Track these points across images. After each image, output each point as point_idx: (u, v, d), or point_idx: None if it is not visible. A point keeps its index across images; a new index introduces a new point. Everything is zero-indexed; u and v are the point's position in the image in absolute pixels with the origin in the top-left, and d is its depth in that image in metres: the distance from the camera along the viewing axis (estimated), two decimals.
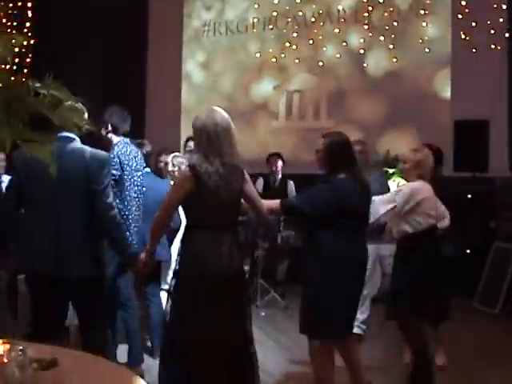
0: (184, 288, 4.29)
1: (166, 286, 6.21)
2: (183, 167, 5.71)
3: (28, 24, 10.86)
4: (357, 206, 4.76)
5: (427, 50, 10.08)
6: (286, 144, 10.87)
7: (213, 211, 4.31)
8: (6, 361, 2.19)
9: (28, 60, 10.42)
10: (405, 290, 5.05)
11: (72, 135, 4.39)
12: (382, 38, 10.27)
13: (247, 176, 4.48)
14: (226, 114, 4.32)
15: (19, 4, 11.27)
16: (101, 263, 4.55)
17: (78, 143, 4.42)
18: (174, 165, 6.26)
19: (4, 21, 10.14)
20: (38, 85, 2.46)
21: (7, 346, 2.27)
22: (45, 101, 2.49)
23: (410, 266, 5.08)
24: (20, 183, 4.43)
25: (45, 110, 2.56)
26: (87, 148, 4.45)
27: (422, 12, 10.22)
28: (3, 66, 2.55)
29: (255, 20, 11.73)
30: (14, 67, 8.63)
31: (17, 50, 2.90)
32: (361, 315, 6.10)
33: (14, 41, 2.58)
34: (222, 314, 4.23)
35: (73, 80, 3.02)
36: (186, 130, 11.52)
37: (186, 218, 4.47)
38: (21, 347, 2.30)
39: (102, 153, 4.54)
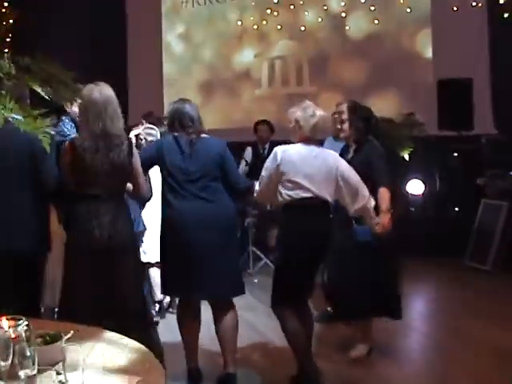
0: (68, 258, 4.41)
1: None
2: (149, 139, 5.83)
3: (6, 4, 10.75)
4: None
5: (408, 10, 10.04)
6: (271, 111, 10.83)
7: (92, 182, 4.36)
8: (13, 336, 2.21)
9: (8, 39, 10.32)
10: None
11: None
12: (362, 0, 10.21)
13: (135, 149, 4.59)
14: (106, 88, 4.33)
15: None
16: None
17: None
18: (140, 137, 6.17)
19: None
20: (27, 60, 2.46)
21: (12, 322, 2.29)
22: (36, 76, 2.49)
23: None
24: None
25: (36, 86, 2.57)
26: None
27: None
28: None
29: None
30: None
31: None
32: None
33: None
34: (98, 285, 4.27)
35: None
36: (168, 101, 11.48)
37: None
38: (26, 322, 2.32)
39: None
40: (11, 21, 10.29)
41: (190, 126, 4.89)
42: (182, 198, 4.77)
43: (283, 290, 4.80)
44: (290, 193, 4.77)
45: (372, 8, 10.22)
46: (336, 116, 5.71)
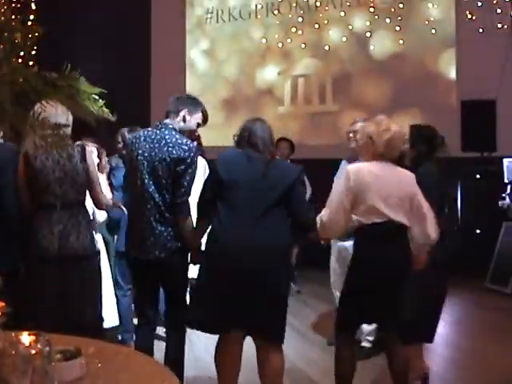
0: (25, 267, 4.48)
1: None
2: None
3: (32, 17, 10.83)
4: None
5: (433, 31, 10.02)
6: (292, 129, 10.81)
7: (44, 190, 4.39)
8: (33, 352, 2.20)
9: (33, 52, 10.40)
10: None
11: None
12: (387, 20, 10.18)
13: (89, 155, 4.58)
14: None
15: None
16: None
17: None
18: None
19: (8, 17, 10.10)
20: (54, 75, 2.47)
21: (33, 337, 2.28)
22: (63, 92, 2.49)
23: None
24: None
25: (63, 102, 2.58)
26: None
27: None
28: (19, 59, 2.54)
29: (259, 6, 11.67)
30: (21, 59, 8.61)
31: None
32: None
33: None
34: (51, 296, 4.33)
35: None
36: None
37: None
38: (46, 338, 2.31)
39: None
40: (36, 34, 10.35)
41: (259, 146, 4.41)
42: (241, 221, 4.28)
43: (351, 317, 4.56)
44: (361, 218, 4.39)
45: (397, 28, 10.20)
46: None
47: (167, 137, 4.56)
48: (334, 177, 5.83)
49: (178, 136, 4.58)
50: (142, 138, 4.66)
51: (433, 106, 9.97)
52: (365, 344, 5.92)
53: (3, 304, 2.35)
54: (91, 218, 4.82)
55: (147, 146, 4.59)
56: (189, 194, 4.55)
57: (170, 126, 4.63)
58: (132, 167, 4.70)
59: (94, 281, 4.61)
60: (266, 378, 4.45)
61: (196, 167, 4.60)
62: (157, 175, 4.51)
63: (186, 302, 4.80)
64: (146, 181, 4.55)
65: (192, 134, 4.92)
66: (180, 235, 4.53)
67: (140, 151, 4.60)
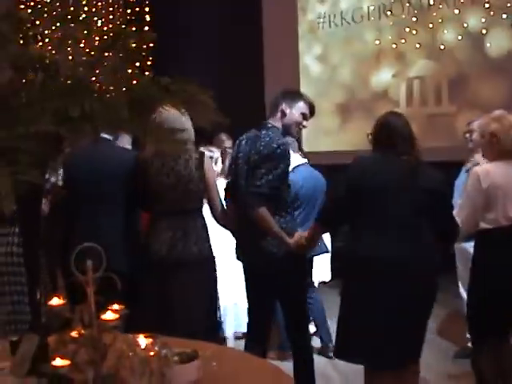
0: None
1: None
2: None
3: (146, 28, 11.10)
4: None
5: None
6: None
7: (156, 196, 4.48)
8: (151, 354, 2.23)
9: (149, 63, 10.66)
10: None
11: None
12: (503, 16, 9.89)
13: (208, 162, 4.58)
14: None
15: (136, 9, 11.54)
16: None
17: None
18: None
19: (124, 27, 10.38)
20: (168, 80, 2.50)
21: (150, 340, 2.31)
22: (176, 97, 2.52)
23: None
24: None
25: (175, 106, 2.61)
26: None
27: None
28: (135, 69, 2.61)
29: (371, 8, 11.55)
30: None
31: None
32: None
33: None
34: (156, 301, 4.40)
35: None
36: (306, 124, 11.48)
37: None
38: (164, 340, 2.33)
39: None
40: (151, 44, 10.62)
41: (399, 147, 4.10)
42: (381, 236, 3.97)
43: (485, 326, 4.42)
44: (488, 221, 4.25)
45: None
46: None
47: (262, 136, 4.55)
48: (455, 181, 5.64)
49: (271, 134, 4.56)
50: (244, 141, 4.68)
51: None
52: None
53: (122, 307, 2.39)
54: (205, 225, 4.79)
55: (247, 148, 4.61)
56: (263, 187, 4.43)
57: (269, 125, 4.62)
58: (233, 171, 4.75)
59: (199, 288, 4.55)
60: None
61: (280, 163, 4.49)
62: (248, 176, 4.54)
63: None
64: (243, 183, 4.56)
65: (297, 127, 4.84)
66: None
67: (240, 154, 4.64)
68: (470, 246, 4.87)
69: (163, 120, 3.42)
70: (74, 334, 2.29)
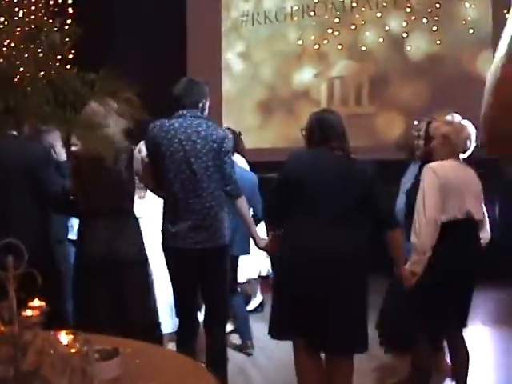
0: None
1: None
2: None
3: (69, 21, 10.93)
4: None
5: (471, 31, 9.93)
6: None
7: (87, 196, 4.48)
8: (72, 351, 2.21)
9: (71, 56, 10.50)
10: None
11: None
12: (424, 20, 10.11)
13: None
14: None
15: (59, 1, 11.37)
16: None
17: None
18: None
19: (46, 19, 10.20)
20: (93, 76, 2.48)
21: (71, 336, 2.29)
22: (100, 92, 2.51)
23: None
24: None
25: (99, 101, 2.60)
26: None
27: None
28: (57, 62, 2.57)
29: (295, 8, 11.66)
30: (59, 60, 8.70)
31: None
32: None
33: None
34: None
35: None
36: (227, 120, 11.52)
37: None
38: (85, 337, 2.32)
39: None
40: (73, 37, 10.47)
41: (332, 143, 4.20)
42: (315, 226, 4.08)
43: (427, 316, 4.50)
44: (444, 215, 4.34)
45: (434, 28, 10.13)
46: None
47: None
48: (402, 178, 5.68)
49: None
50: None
51: (471, 107, 9.83)
52: None
53: (43, 303, 2.36)
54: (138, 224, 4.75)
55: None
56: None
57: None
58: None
59: (138, 287, 4.57)
60: None
61: None
62: None
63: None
64: None
65: None
66: None
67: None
68: None
69: (87, 115, 3.40)
70: None
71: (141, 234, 4.63)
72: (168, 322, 5.59)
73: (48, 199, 4.67)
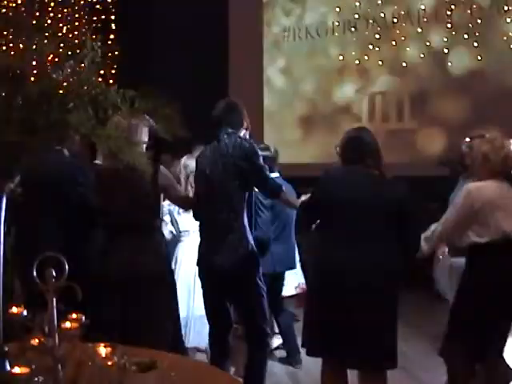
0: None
1: None
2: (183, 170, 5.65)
3: (112, 36, 11.08)
4: None
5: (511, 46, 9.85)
6: None
7: (110, 211, 4.44)
8: (109, 363, 2.24)
9: (113, 71, 10.63)
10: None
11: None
12: (465, 36, 10.07)
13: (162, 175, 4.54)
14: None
15: (102, 17, 11.53)
16: None
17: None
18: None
19: (88, 35, 10.37)
20: (132, 93, 2.52)
21: (109, 349, 2.32)
22: (139, 109, 2.55)
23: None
24: None
25: (140, 119, 2.64)
26: None
27: (505, 8, 9.95)
28: (99, 78, 2.61)
29: (335, 24, 11.67)
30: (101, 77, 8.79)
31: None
32: None
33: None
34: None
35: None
36: (269, 135, 11.55)
37: None
38: (123, 349, 2.35)
39: None
40: (116, 53, 10.60)
41: (367, 160, 4.22)
42: (345, 242, 4.09)
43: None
44: (482, 235, 4.32)
45: (475, 44, 10.07)
46: None
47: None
48: (451, 194, 5.64)
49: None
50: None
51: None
52: None
53: (81, 316, 2.40)
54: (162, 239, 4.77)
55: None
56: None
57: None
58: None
59: (160, 302, 4.54)
60: None
61: None
62: None
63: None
64: None
65: None
66: None
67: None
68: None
69: (120, 130, 3.44)
70: (33, 342, 2.31)
71: (164, 250, 4.64)
72: (195, 335, 5.63)
73: (78, 213, 4.68)
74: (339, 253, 4.08)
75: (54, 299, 2.30)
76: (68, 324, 2.31)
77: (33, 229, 4.64)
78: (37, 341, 2.30)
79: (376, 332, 4.04)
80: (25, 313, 2.42)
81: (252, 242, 4.60)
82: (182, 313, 5.39)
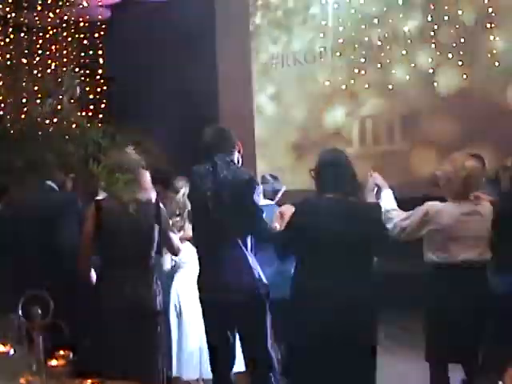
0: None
1: None
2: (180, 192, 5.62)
3: (100, 71, 11.14)
4: None
5: (497, 63, 9.89)
6: (363, 169, 10.70)
7: (110, 245, 4.40)
8: None
9: (103, 106, 10.67)
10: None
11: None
12: (450, 55, 10.12)
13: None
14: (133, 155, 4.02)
15: (90, 53, 11.59)
16: None
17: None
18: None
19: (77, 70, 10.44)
20: (114, 130, 2.57)
21: None
22: (122, 145, 2.59)
23: None
24: None
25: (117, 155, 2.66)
26: None
27: (489, 25, 9.98)
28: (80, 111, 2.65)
29: (322, 49, 11.75)
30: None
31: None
32: None
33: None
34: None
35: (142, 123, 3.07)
36: (260, 163, 11.58)
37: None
38: None
39: None
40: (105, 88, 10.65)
41: (347, 185, 4.24)
42: (326, 272, 4.05)
43: None
44: (440, 255, 4.47)
45: (460, 63, 10.11)
46: None
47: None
48: None
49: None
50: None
51: (504, 139, 9.76)
52: None
53: (68, 352, 2.40)
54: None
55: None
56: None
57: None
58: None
59: (155, 338, 4.52)
60: None
61: None
62: None
63: None
64: None
65: None
66: None
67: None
68: None
69: (113, 164, 3.45)
70: (22, 380, 2.30)
71: (158, 286, 4.58)
72: (194, 368, 5.58)
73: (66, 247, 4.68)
74: (313, 283, 4.06)
75: (41, 337, 2.30)
76: (55, 362, 2.31)
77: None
78: (25, 380, 2.30)
79: (355, 357, 4.03)
80: (11, 352, 2.43)
81: (258, 267, 4.59)
82: (195, 344, 5.37)
